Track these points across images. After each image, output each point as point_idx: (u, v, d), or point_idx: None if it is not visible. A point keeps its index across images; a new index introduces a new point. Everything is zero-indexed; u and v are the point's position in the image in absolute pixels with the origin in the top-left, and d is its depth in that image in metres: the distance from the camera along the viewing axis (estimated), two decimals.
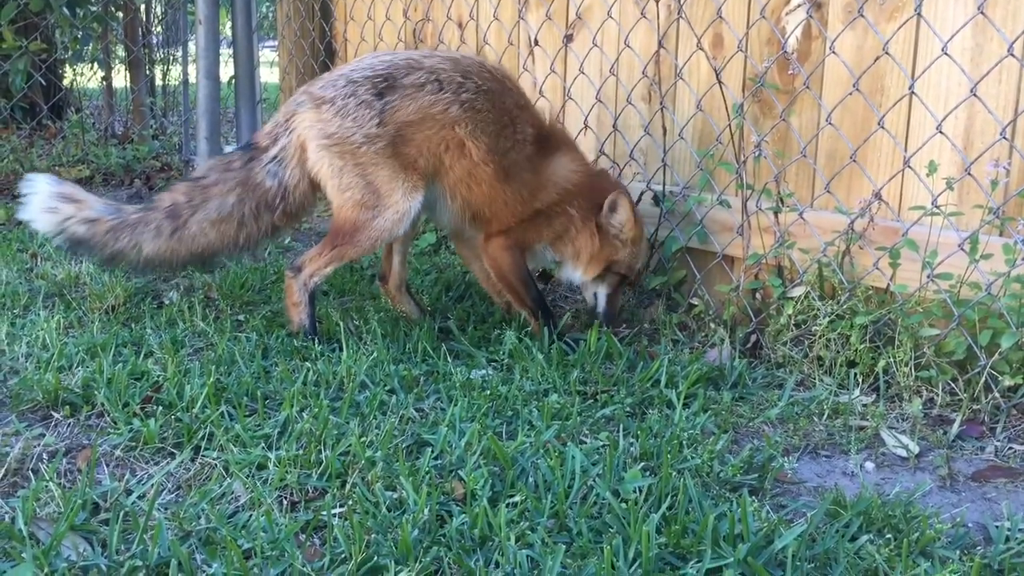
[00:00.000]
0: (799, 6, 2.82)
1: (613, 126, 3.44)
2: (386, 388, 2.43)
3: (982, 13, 2.34)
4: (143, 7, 6.40)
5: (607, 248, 2.93)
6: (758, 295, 2.93)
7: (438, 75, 2.74)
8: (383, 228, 2.73)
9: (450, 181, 2.78)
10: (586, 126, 3.55)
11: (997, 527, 1.86)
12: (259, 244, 2.96)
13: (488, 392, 2.39)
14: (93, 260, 2.89)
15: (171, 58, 6.79)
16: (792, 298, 2.75)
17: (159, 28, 6.95)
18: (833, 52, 2.69)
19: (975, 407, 2.37)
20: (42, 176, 2.86)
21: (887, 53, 2.55)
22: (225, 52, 5.80)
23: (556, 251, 3.00)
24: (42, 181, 2.82)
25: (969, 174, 2.41)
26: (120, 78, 6.91)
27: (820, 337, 2.65)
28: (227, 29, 7.00)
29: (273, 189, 2.81)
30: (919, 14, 2.49)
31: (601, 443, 2.15)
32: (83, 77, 6.80)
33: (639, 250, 3.01)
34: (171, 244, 2.82)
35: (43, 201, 2.79)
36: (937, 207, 2.43)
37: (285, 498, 1.87)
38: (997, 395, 2.35)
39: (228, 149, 4.84)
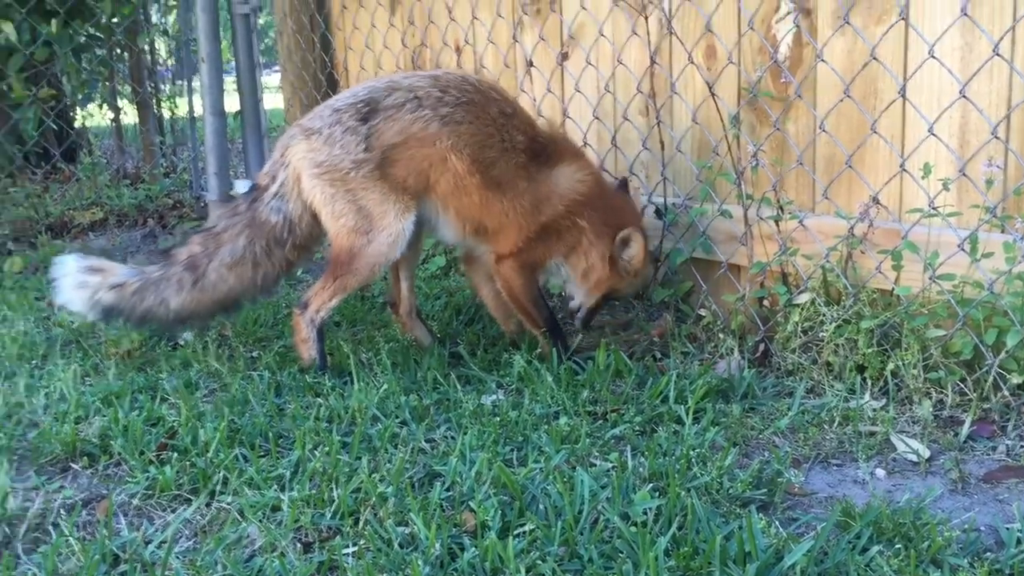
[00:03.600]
0: (788, 14, 2.83)
1: (612, 142, 3.46)
2: (397, 420, 2.46)
3: (965, 14, 2.34)
4: (147, 47, 6.48)
5: (613, 278, 2.96)
6: (765, 303, 2.93)
7: (416, 92, 2.76)
8: (379, 252, 2.76)
9: (440, 194, 2.80)
10: (585, 143, 3.56)
11: (1008, 530, 1.85)
12: (277, 281, 2.99)
13: (498, 418, 2.41)
14: (128, 325, 2.92)
15: (178, 92, 6.87)
16: (798, 305, 2.76)
17: (169, 61, 7.04)
18: (822, 59, 2.70)
19: (985, 406, 2.37)
20: (69, 256, 2.90)
21: (875, 58, 2.55)
22: (231, 82, 5.85)
23: (570, 266, 2.99)
24: (69, 260, 2.87)
25: (963, 174, 2.41)
26: (129, 116, 7.00)
27: (828, 343, 2.65)
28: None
29: (279, 224, 2.85)
30: (904, 18, 2.50)
31: (611, 465, 2.16)
32: (93, 118, 6.90)
33: (639, 280, 3.06)
34: (195, 295, 2.86)
35: (73, 279, 2.84)
36: (935, 208, 2.43)
37: (299, 539, 1.90)
38: (1006, 393, 2.34)
39: (237, 183, 4.91)
